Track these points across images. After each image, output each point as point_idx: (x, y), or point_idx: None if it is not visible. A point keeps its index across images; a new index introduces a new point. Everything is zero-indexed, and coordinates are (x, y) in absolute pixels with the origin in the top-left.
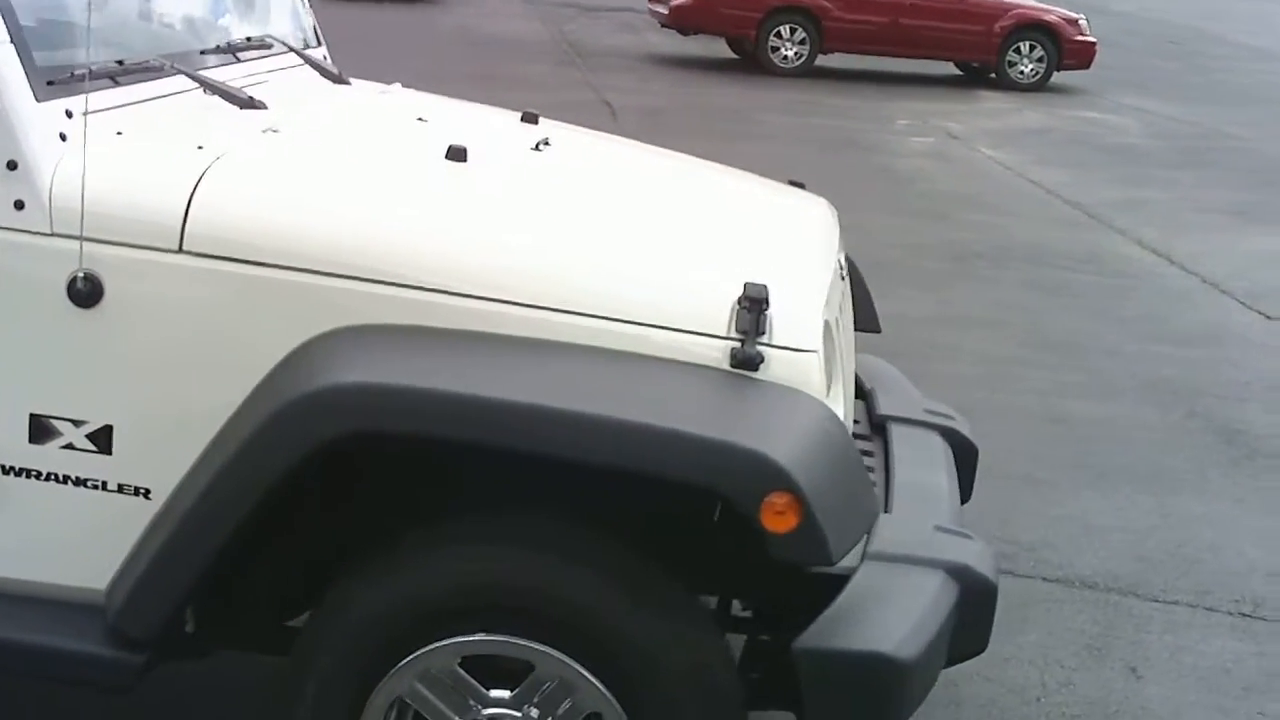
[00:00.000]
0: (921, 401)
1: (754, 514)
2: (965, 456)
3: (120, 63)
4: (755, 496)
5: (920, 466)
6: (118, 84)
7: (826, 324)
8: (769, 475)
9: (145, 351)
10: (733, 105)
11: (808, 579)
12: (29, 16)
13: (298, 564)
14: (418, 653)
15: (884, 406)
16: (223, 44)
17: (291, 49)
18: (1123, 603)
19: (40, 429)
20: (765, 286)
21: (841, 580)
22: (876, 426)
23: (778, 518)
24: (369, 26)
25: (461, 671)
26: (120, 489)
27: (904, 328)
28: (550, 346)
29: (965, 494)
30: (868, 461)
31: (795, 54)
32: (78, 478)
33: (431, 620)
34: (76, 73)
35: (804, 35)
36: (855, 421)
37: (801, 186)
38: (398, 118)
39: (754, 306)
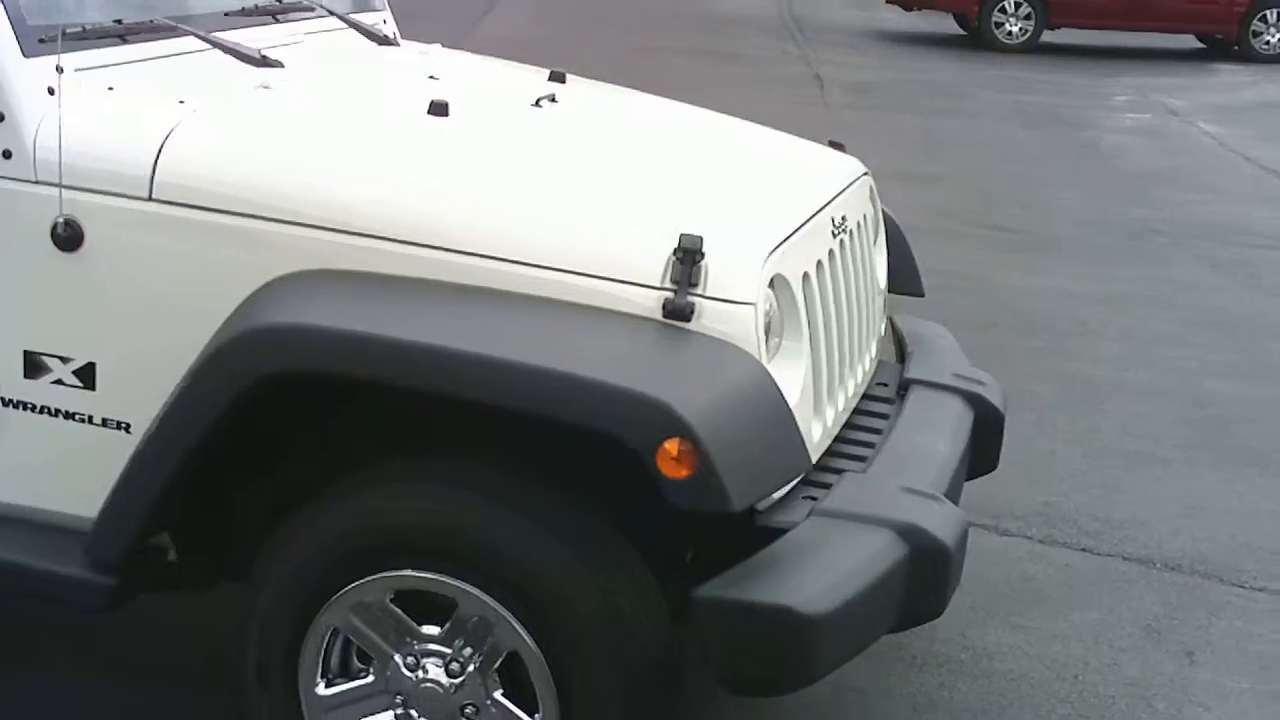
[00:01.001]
0: (956, 366)
1: (650, 459)
2: (990, 423)
3: (119, 21)
4: (650, 442)
5: (921, 429)
6: (125, 42)
7: (781, 277)
8: (664, 421)
9: (123, 293)
10: (946, 81)
11: (748, 532)
12: None
13: (275, 499)
14: (350, 586)
15: (913, 370)
16: (259, 6)
17: (331, 12)
18: (1201, 586)
19: (33, 365)
20: (700, 238)
21: (778, 533)
22: (901, 389)
23: (673, 463)
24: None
25: (393, 606)
26: (104, 423)
27: (1055, 302)
28: (485, 293)
29: (988, 461)
30: (876, 423)
31: (1020, 29)
32: (66, 411)
33: (363, 556)
34: (68, 31)
35: (1029, 10)
36: (882, 384)
37: (840, 148)
38: (408, 76)
39: (687, 258)
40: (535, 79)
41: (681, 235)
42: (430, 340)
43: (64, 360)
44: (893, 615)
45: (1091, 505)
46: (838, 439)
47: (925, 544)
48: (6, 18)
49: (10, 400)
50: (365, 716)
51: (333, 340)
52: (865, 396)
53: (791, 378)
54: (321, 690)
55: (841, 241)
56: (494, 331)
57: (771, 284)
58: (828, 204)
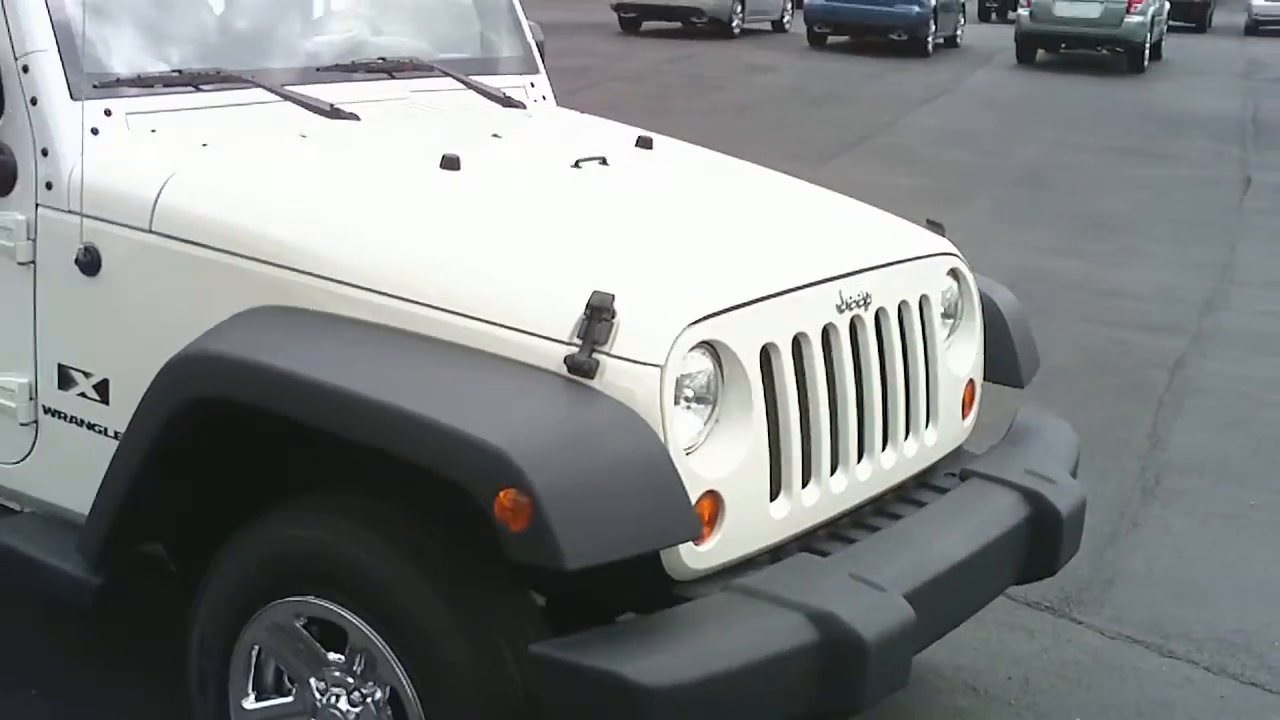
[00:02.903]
0: (1038, 463)
1: (489, 508)
2: (1046, 525)
3: (180, 72)
4: (488, 491)
5: (934, 522)
6: (195, 90)
7: (723, 345)
8: (501, 470)
9: (130, 316)
10: None
11: (661, 597)
12: (100, 27)
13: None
14: (265, 608)
15: (981, 462)
16: (380, 61)
17: (448, 73)
18: None
19: (65, 377)
20: (611, 296)
21: (674, 600)
22: (962, 478)
23: (510, 515)
24: (1056, 96)
25: (303, 630)
26: (115, 435)
27: None
28: (406, 337)
29: (1042, 564)
30: (903, 510)
31: None
32: (89, 422)
33: (272, 579)
34: (123, 78)
35: None
36: (951, 474)
37: (939, 228)
38: (467, 133)
39: (595, 315)
40: (614, 143)
41: (593, 293)
42: (310, 374)
43: (86, 375)
44: (799, 703)
45: (1252, 625)
46: (850, 522)
47: (837, 633)
48: (61, 64)
49: (49, 409)
50: None
51: (234, 369)
52: (923, 485)
53: (729, 450)
54: (249, 704)
55: (856, 319)
56: (386, 372)
57: (713, 351)
58: (831, 279)
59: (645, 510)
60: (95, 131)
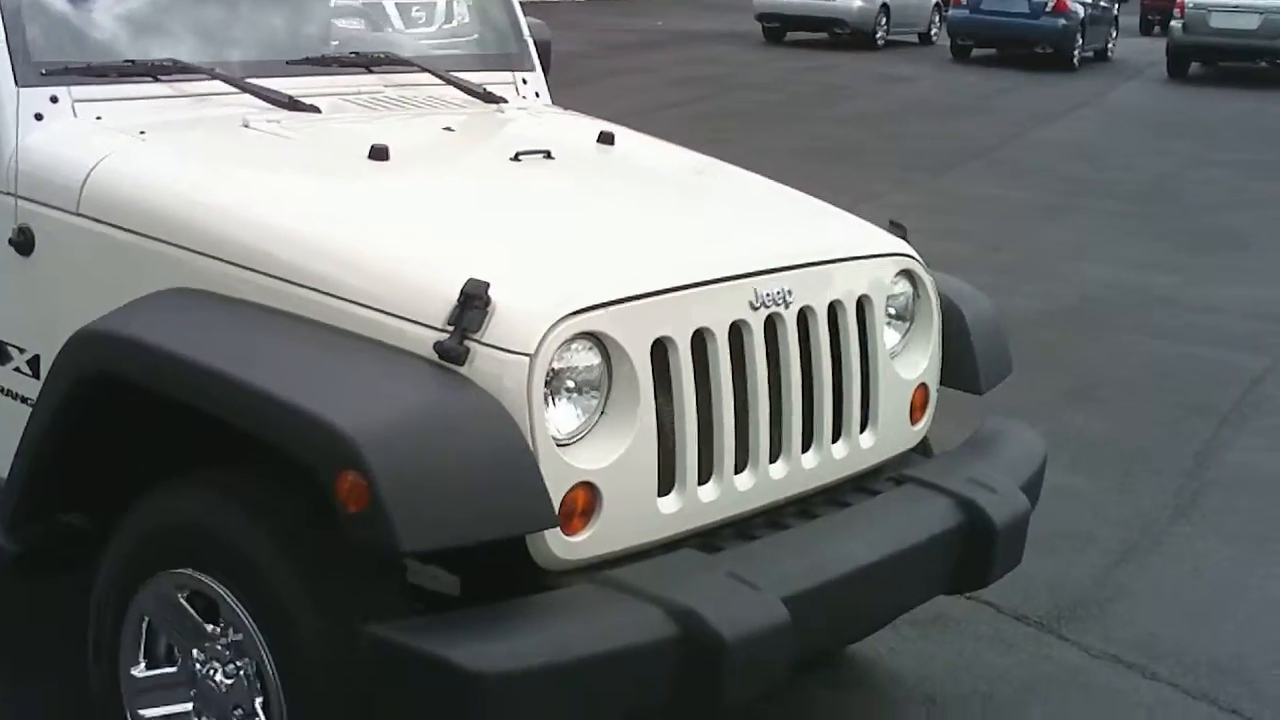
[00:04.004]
0: (984, 473)
1: (330, 488)
2: (979, 536)
3: (133, 62)
4: (330, 471)
5: (844, 525)
6: (151, 81)
7: (609, 338)
8: (342, 452)
9: (59, 294)
10: None
11: (529, 584)
12: (58, 15)
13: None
14: (149, 579)
15: (922, 467)
16: (355, 55)
17: (425, 68)
18: None
19: (2, 352)
20: (486, 284)
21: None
22: (898, 483)
23: (349, 495)
24: (1201, 111)
25: (182, 601)
26: None
27: None
28: (291, 321)
29: (971, 575)
30: (820, 512)
31: None
32: (22, 396)
33: (157, 552)
34: (73, 66)
35: None
36: (893, 478)
37: (901, 229)
38: (420, 125)
39: (468, 302)
40: (572, 139)
41: (468, 280)
42: (181, 352)
43: (20, 350)
44: (653, 699)
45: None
46: (765, 521)
47: (696, 630)
48: (7, 52)
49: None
50: (167, 705)
51: (116, 345)
52: (860, 489)
53: (611, 443)
54: (138, 672)
55: (775, 317)
56: (258, 353)
57: (600, 344)
58: (742, 275)
59: (495, 497)
60: (39, 117)
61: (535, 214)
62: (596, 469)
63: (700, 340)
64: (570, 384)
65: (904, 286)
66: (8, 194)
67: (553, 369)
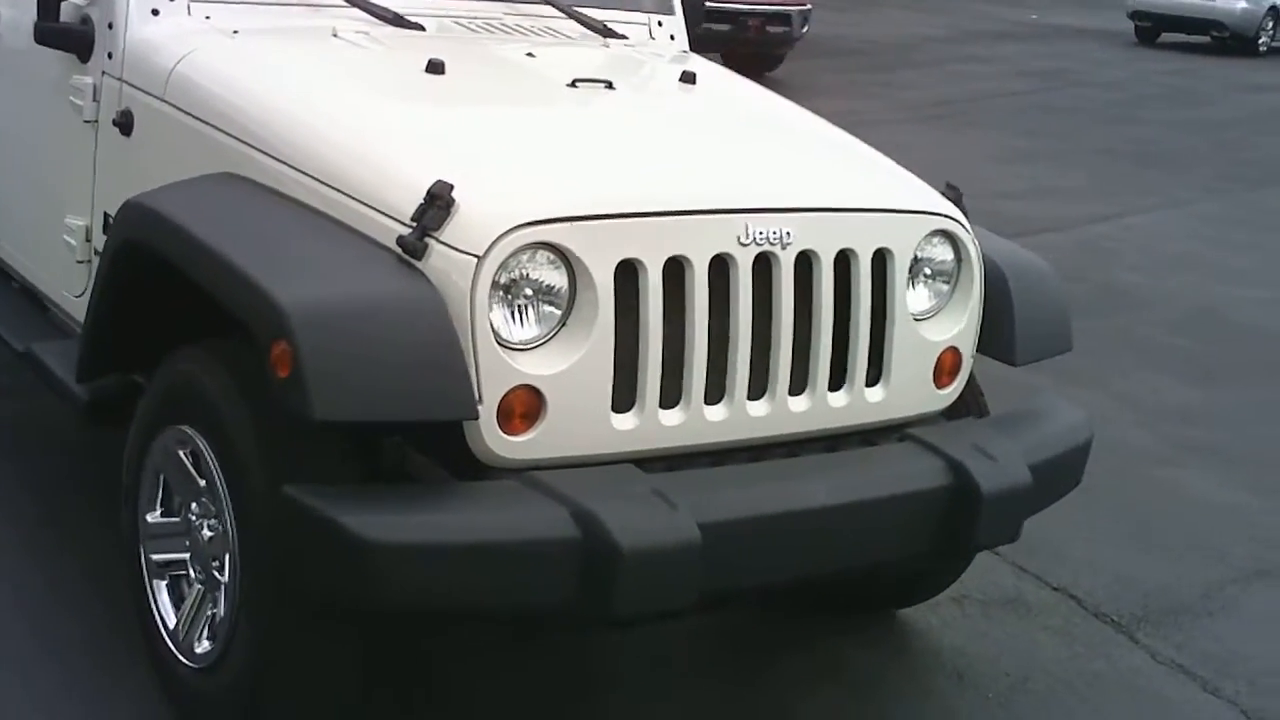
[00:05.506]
0: (991, 440)
1: (265, 355)
2: (964, 501)
3: None
4: (266, 339)
5: (813, 470)
6: None
7: (570, 252)
8: (275, 321)
9: (149, 172)
10: None
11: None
12: None
13: None
14: (159, 434)
15: (929, 429)
16: None
17: (550, 1)
18: None
19: (107, 224)
20: (450, 185)
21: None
22: (901, 439)
23: (278, 361)
24: None
25: (181, 456)
26: None
27: None
28: (290, 205)
29: (955, 540)
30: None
31: None
32: None
33: (165, 408)
34: None
35: None
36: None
37: (957, 192)
38: (506, 50)
39: (432, 201)
40: (652, 75)
41: (435, 181)
42: (183, 223)
43: None
44: (546, 596)
45: None
46: (749, 456)
47: (595, 535)
48: None
49: (99, 250)
50: (170, 552)
51: (142, 215)
52: (866, 442)
53: (563, 353)
54: (151, 518)
55: (768, 256)
56: (245, 232)
57: (564, 258)
58: (733, 210)
59: (415, 383)
60: (155, 13)
61: (547, 133)
62: (542, 374)
63: (678, 268)
64: (529, 292)
65: (944, 248)
66: (117, 78)
67: (507, 274)
